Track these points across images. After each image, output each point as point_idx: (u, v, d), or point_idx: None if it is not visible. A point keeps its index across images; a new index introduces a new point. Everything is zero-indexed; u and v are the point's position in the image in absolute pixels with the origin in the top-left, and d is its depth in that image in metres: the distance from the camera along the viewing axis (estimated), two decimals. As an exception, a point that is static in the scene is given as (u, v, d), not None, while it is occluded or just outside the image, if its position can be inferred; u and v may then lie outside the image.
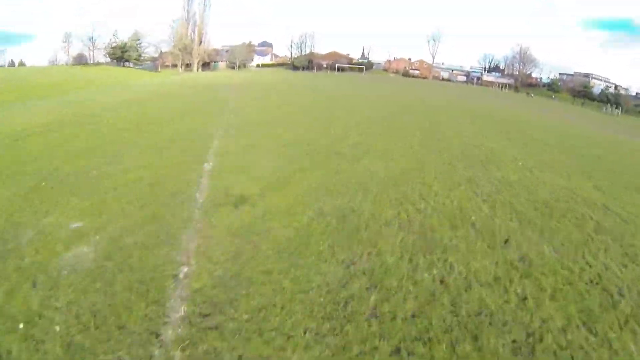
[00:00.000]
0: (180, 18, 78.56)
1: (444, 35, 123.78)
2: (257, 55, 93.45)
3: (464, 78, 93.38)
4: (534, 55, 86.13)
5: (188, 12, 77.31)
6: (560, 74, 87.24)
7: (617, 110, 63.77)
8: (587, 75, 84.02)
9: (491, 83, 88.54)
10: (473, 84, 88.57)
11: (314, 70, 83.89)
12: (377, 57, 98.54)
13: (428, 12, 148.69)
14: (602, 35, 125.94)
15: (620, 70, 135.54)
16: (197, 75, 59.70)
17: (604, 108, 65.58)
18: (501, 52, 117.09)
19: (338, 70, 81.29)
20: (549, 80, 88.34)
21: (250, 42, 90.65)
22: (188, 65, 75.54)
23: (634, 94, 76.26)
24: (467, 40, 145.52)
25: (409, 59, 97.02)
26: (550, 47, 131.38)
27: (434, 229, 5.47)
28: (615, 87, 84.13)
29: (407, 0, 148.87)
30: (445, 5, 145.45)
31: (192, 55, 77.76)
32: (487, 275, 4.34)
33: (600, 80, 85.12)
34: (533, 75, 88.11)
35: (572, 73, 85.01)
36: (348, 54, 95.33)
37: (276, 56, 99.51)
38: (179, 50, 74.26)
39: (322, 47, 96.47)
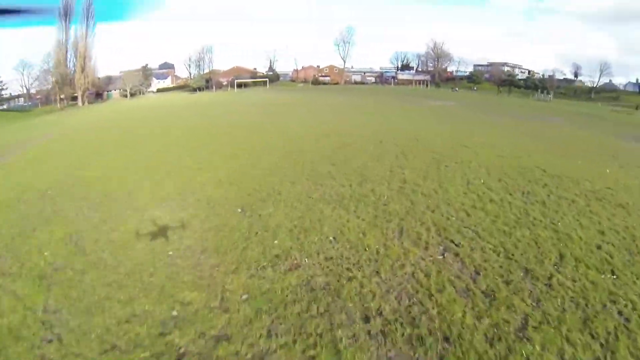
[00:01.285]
0: (57, 41, 58.15)
1: (356, 37, 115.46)
2: (157, 79, 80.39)
3: (372, 79, 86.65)
4: (448, 50, 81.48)
5: (65, 32, 58.76)
6: (475, 65, 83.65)
7: (549, 96, 57.62)
8: (503, 65, 79.70)
9: (408, 81, 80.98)
10: (391, 84, 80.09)
11: (213, 89, 69.12)
12: (285, 67, 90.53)
13: (336, 15, 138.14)
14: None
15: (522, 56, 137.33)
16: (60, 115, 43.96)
17: (535, 95, 59.55)
18: (415, 50, 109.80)
19: (239, 86, 70.26)
20: (466, 73, 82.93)
21: (147, 65, 76.41)
22: (75, 99, 58.95)
23: (560, 77, 70.74)
24: (379, 41, 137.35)
25: (318, 66, 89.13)
26: (461, 40, 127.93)
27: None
28: (529, 72, 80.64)
29: (312, 4, 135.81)
30: (355, 6, 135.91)
31: (74, 86, 58.02)
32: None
33: (514, 67, 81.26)
34: (449, 69, 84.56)
35: (486, 64, 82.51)
36: (254, 68, 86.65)
37: (178, 78, 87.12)
38: (56, 81, 56.67)
39: (224, 63, 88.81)
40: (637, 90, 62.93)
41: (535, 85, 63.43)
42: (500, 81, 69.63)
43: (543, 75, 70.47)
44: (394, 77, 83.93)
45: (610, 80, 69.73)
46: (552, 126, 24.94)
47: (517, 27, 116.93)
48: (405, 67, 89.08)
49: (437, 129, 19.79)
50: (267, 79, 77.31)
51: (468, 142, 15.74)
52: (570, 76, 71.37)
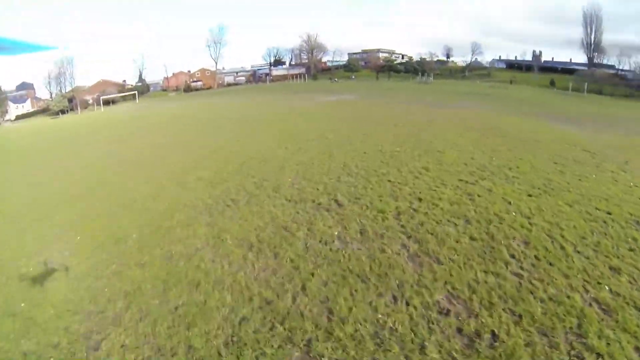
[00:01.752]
0: None
1: (228, 36, 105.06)
2: (14, 103, 66.11)
3: (244, 79, 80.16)
4: (322, 41, 78.89)
5: None
6: (349, 54, 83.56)
7: (430, 78, 58.00)
8: (377, 51, 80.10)
9: (283, 77, 75.87)
10: (266, 81, 73.12)
11: (77, 111, 53.71)
12: (155, 75, 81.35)
13: (205, 13, 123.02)
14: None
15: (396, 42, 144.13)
16: None
17: (417, 77, 59.06)
18: (288, 45, 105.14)
19: (105, 104, 56.21)
20: (342, 62, 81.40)
21: (-1, 87, 61.10)
22: None
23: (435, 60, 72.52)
24: (251, 37, 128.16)
25: (189, 71, 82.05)
26: (332, 31, 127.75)
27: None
28: (402, 57, 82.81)
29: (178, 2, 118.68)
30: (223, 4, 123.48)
31: None
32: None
33: (389, 53, 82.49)
34: (323, 59, 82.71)
35: (360, 51, 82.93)
36: (123, 80, 76.52)
37: (39, 100, 72.02)
38: None
39: (89, 77, 78.11)
40: (504, 66, 68.82)
41: (414, 69, 63.48)
42: (379, 67, 68.68)
43: (421, 58, 71.70)
44: (267, 74, 77.19)
45: (476, 59, 74.84)
46: (486, 114, 20.33)
47: (382, 16, 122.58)
48: (278, 62, 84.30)
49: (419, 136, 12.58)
50: (136, 92, 64.31)
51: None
52: (443, 57, 74.81)
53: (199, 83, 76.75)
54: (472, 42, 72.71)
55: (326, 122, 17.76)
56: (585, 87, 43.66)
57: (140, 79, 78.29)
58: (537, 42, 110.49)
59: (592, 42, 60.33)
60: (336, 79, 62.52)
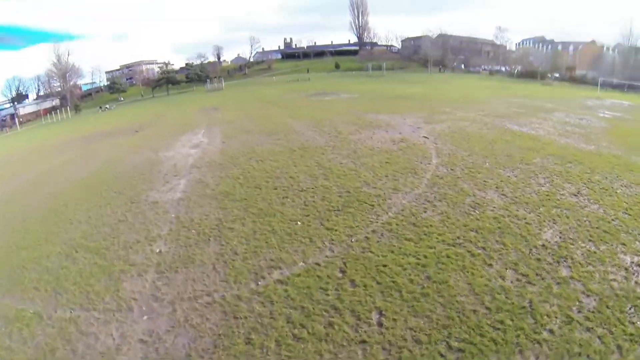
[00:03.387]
0: None
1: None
2: None
3: None
4: (76, 65, 64.29)
5: None
6: (107, 72, 73.44)
7: (221, 84, 55.46)
8: (139, 64, 72.38)
9: (33, 115, 57.52)
10: (10, 127, 51.59)
11: None
12: None
13: None
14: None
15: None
16: None
17: (206, 86, 56.15)
18: (32, 72, 76.81)
19: None
20: (104, 84, 69.70)
21: None
22: None
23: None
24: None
25: None
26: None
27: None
28: (166, 64, 75.19)
29: None
30: None
31: None
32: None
33: (151, 63, 74.11)
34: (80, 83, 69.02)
35: (119, 67, 73.77)
36: None
37: None
38: None
39: None
40: (279, 56, 73.50)
41: (198, 76, 58.55)
42: (152, 81, 60.11)
43: (202, 62, 66.83)
44: (13, 116, 55.07)
45: (238, 55, 76.41)
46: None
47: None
48: (22, 96, 63.40)
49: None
50: None
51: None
52: (215, 59, 72.58)
53: None
54: (250, 37, 73.78)
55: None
56: (370, 67, 52.34)
57: None
58: (313, 29, 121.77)
59: (360, 24, 73.05)
60: (107, 106, 50.80)
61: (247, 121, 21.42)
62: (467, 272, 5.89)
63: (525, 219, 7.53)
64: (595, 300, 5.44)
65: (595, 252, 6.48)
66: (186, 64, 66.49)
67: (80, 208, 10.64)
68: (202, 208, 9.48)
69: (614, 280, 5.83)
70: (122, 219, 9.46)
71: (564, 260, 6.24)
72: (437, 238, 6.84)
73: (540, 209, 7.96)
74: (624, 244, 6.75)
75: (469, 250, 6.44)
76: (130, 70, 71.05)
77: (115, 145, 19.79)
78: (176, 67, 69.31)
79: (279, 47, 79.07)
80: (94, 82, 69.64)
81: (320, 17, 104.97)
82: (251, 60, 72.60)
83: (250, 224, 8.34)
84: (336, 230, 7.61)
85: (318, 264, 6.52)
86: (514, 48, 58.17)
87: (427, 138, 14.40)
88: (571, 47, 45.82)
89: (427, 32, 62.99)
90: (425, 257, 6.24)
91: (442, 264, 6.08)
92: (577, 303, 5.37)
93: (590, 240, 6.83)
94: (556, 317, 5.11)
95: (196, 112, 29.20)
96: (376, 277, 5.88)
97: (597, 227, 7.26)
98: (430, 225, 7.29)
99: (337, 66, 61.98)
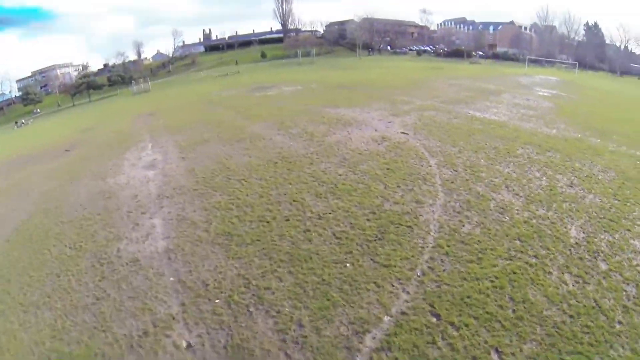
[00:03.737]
0: None
1: None
2: None
3: None
4: None
5: None
6: (17, 81, 64.20)
7: (147, 84, 50.63)
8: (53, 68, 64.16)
9: None
10: None
11: None
12: None
13: None
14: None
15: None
16: None
17: (133, 87, 51.47)
18: None
19: None
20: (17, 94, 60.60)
21: None
22: None
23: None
24: None
25: None
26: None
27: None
28: (83, 67, 67.96)
29: None
30: None
31: None
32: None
33: (62, 67, 66.25)
34: None
35: (29, 75, 65.00)
36: None
37: None
38: None
39: None
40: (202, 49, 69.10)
41: (121, 78, 52.83)
42: (73, 87, 53.13)
43: (124, 61, 60.19)
44: None
45: (158, 51, 70.48)
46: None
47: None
48: None
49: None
50: None
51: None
52: (136, 56, 66.02)
53: None
54: (172, 31, 67.89)
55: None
56: (299, 54, 51.57)
57: None
58: (232, 19, 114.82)
59: (284, 12, 71.25)
60: (23, 121, 44.62)
61: (197, 128, 18.61)
62: (537, 284, 6.55)
63: (548, 218, 8.47)
64: (634, 287, 6.50)
65: (614, 242, 7.62)
66: (105, 65, 59.47)
67: (27, 286, 7.59)
68: (208, 261, 7.53)
69: (638, 265, 7.00)
70: (100, 295, 6.94)
71: (597, 255, 7.24)
72: (491, 254, 7.36)
73: (554, 205, 9.01)
74: (628, 230, 8.03)
75: (525, 261, 7.11)
76: (43, 76, 61.65)
77: (46, 174, 15.67)
78: (94, 68, 61.92)
79: (199, 39, 74.50)
80: (3, 94, 59.05)
81: (239, 5, 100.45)
82: (173, 56, 67.30)
83: (288, 277, 6.87)
84: (394, 267, 7.01)
85: (405, 314, 5.98)
86: (436, 28, 62.55)
87: (407, 134, 14.47)
88: (491, 27, 50.75)
89: (353, 16, 64.60)
90: (496, 277, 6.71)
91: (514, 281, 6.64)
92: (624, 293, 6.36)
93: (605, 231, 7.99)
94: (617, 309, 6.02)
95: (131, 121, 25.17)
96: (469, 312, 5.92)
97: (602, 217, 8.49)
98: (479, 242, 7.74)
99: (263, 55, 60.75)
